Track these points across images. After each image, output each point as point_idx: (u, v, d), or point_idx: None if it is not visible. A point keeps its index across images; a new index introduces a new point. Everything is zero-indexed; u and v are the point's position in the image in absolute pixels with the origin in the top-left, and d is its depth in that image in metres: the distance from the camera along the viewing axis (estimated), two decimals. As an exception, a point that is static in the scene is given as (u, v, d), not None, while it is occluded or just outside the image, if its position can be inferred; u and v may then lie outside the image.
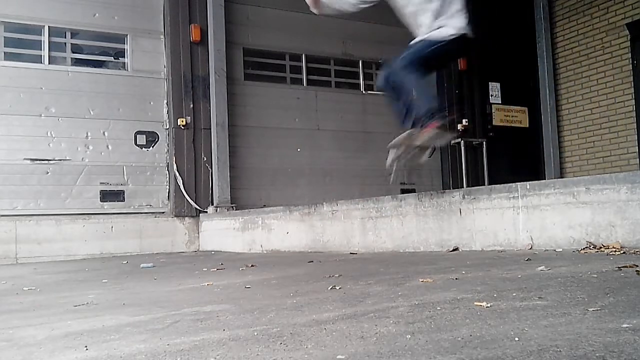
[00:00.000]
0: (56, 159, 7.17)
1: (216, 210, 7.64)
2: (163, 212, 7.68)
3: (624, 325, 1.53)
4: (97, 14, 7.54)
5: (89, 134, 7.36)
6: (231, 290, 3.13)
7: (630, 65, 8.82)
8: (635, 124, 8.77)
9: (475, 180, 9.17)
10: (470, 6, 4.00)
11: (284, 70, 8.66)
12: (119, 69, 7.77)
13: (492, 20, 9.70)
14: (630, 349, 1.32)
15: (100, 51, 7.79)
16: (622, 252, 3.12)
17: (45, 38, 7.24)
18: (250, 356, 1.55)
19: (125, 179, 7.51)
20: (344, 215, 5.39)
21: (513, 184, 4.03)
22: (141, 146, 7.65)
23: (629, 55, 8.84)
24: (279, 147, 8.33)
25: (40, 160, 7.08)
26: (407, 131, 3.79)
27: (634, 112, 8.79)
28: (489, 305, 1.96)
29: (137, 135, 7.63)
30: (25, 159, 7.01)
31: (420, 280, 2.73)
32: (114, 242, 7.26)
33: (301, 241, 5.84)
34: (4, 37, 7.12)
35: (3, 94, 6.96)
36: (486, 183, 8.78)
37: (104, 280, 4.15)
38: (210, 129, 7.86)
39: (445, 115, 3.90)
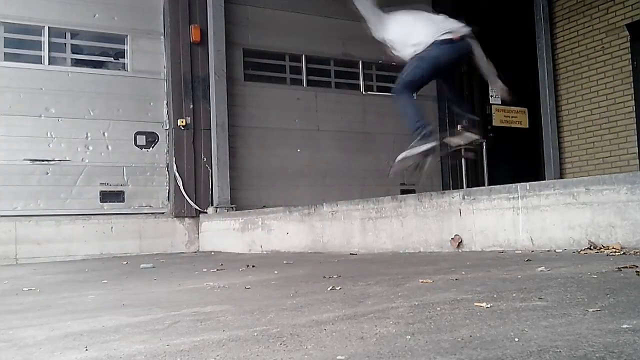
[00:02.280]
0: (56, 159, 7.17)
1: (216, 211, 7.64)
2: (163, 213, 7.68)
3: (624, 326, 1.53)
4: (97, 15, 7.54)
5: (88, 134, 7.35)
6: (231, 290, 3.13)
7: (630, 66, 8.81)
8: (635, 125, 8.77)
9: (475, 181, 9.16)
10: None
11: (284, 70, 8.66)
12: (119, 69, 7.76)
13: (492, 20, 9.71)
14: (630, 349, 1.32)
15: (100, 52, 7.78)
16: (622, 252, 3.12)
17: (45, 39, 7.23)
18: (250, 357, 1.55)
19: (125, 179, 7.51)
20: (343, 215, 5.39)
21: (513, 185, 4.03)
22: (141, 147, 7.65)
23: (629, 56, 8.83)
24: (279, 148, 8.33)
25: (40, 160, 7.08)
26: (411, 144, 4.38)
27: (634, 112, 8.78)
28: (488, 305, 1.96)
29: (137, 136, 7.63)
30: (25, 159, 7.01)
31: (420, 280, 2.73)
32: (113, 243, 7.25)
33: (301, 242, 5.84)
34: (4, 37, 7.12)
35: (3, 94, 6.96)
36: (486, 184, 8.77)
37: (103, 281, 4.15)
38: (210, 129, 7.86)
39: (427, 134, 4.36)
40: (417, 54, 4.46)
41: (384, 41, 4.67)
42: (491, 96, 9.76)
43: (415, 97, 4.68)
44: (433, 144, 4.35)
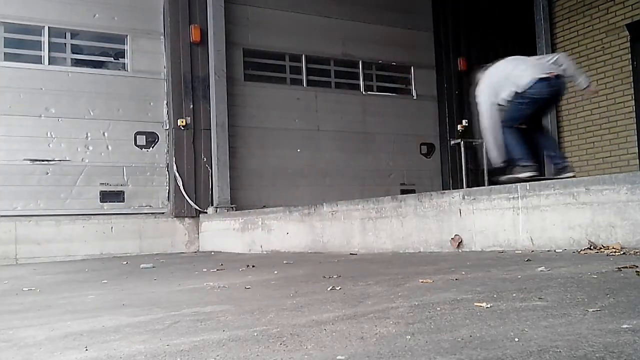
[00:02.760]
0: (56, 159, 7.17)
1: (216, 211, 7.64)
2: (163, 213, 7.68)
3: (624, 326, 1.53)
4: (97, 15, 7.54)
5: (88, 134, 7.35)
6: (231, 290, 3.13)
7: (630, 66, 8.81)
8: (635, 125, 8.77)
9: (475, 181, 9.16)
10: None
11: (284, 70, 8.66)
12: (119, 69, 7.76)
13: (492, 20, 9.72)
14: (630, 349, 1.32)
15: (100, 52, 7.79)
16: (622, 252, 3.12)
17: (45, 39, 7.23)
18: (250, 357, 1.55)
19: (125, 179, 7.51)
20: (343, 215, 5.39)
21: (513, 185, 4.04)
22: (141, 147, 7.65)
23: (629, 56, 8.84)
24: (279, 148, 8.33)
25: (40, 160, 7.08)
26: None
27: (634, 112, 8.79)
28: (488, 305, 1.96)
29: (137, 136, 7.63)
30: (25, 159, 7.01)
31: (420, 280, 2.73)
32: (113, 243, 7.25)
33: (301, 242, 5.84)
34: (4, 37, 7.12)
35: (3, 94, 6.96)
36: (486, 184, 8.77)
37: (103, 281, 4.15)
38: (210, 129, 7.86)
39: (527, 165, 4.90)
40: (518, 93, 4.81)
41: (484, 99, 5.01)
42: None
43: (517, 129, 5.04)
44: (532, 174, 4.83)
